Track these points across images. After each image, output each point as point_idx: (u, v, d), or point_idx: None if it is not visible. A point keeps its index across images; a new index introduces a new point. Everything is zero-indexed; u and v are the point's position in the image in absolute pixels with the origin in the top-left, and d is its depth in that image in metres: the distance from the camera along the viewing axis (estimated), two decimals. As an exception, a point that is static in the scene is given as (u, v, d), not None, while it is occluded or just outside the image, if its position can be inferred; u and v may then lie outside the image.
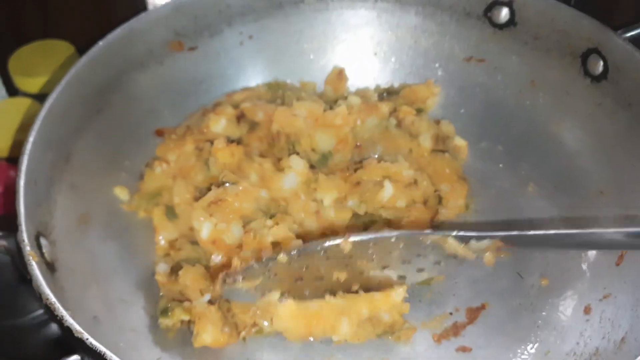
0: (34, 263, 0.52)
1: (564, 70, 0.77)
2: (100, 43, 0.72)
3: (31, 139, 0.61)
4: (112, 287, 0.65)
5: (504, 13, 0.80)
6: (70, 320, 0.50)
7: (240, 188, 0.69)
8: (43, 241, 0.56)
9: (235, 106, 0.77)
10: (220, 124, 0.75)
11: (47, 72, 0.97)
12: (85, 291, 0.61)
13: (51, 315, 0.51)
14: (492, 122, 0.83)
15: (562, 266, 0.70)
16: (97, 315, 0.60)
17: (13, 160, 0.90)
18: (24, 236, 0.53)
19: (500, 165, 0.81)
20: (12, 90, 1.04)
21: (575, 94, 0.77)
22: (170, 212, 0.71)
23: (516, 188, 0.78)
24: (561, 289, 0.69)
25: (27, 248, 0.52)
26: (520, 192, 0.78)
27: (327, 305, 0.62)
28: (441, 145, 0.80)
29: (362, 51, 0.88)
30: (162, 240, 0.70)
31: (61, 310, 0.50)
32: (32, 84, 1.00)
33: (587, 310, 0.66)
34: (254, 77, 0.86)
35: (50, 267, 0.55)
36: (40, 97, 0.99)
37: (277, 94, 0.82)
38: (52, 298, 0.51)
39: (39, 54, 0.97)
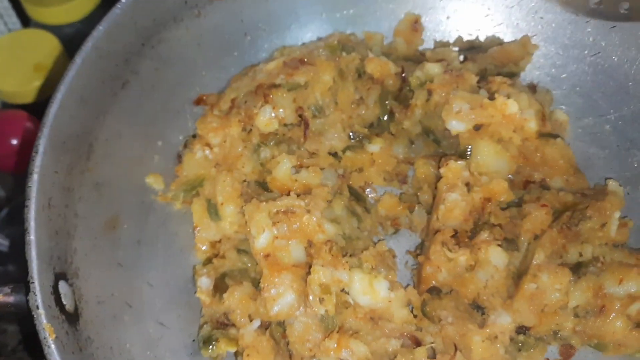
0: (52, 344, 0.41)
1: None
2: (123, 0, 0.56)
3: (41, 147, 0.48)
4: (147, 307, 0.56)
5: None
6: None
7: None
8: (62, 288, 0.45)
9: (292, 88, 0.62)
10: (271, 122, 0.61)
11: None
12: (118, 325, 0.52)
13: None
14: (600, 94, 0.68)
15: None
16: (131, 350, 0.52)
17: (29, 107, 0.79)
18: (38, 301, 0.42)
19: (607, 150, 0.66)
20: (25, 18, 0.90)
21: None
22: (213, 211, 0.60)
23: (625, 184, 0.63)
24: None
25: (43, 322, 0.41)
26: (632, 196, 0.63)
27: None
28: (549, 126, 0.64)
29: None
30: (203, 246, 0.60)
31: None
32: (48, 14, 0.86)
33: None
34: (309, 26, 0.71)
35: (72, 319, 0.46)
36: (56, 29, 0.86)
37: (339, 56, 0.66)
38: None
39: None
